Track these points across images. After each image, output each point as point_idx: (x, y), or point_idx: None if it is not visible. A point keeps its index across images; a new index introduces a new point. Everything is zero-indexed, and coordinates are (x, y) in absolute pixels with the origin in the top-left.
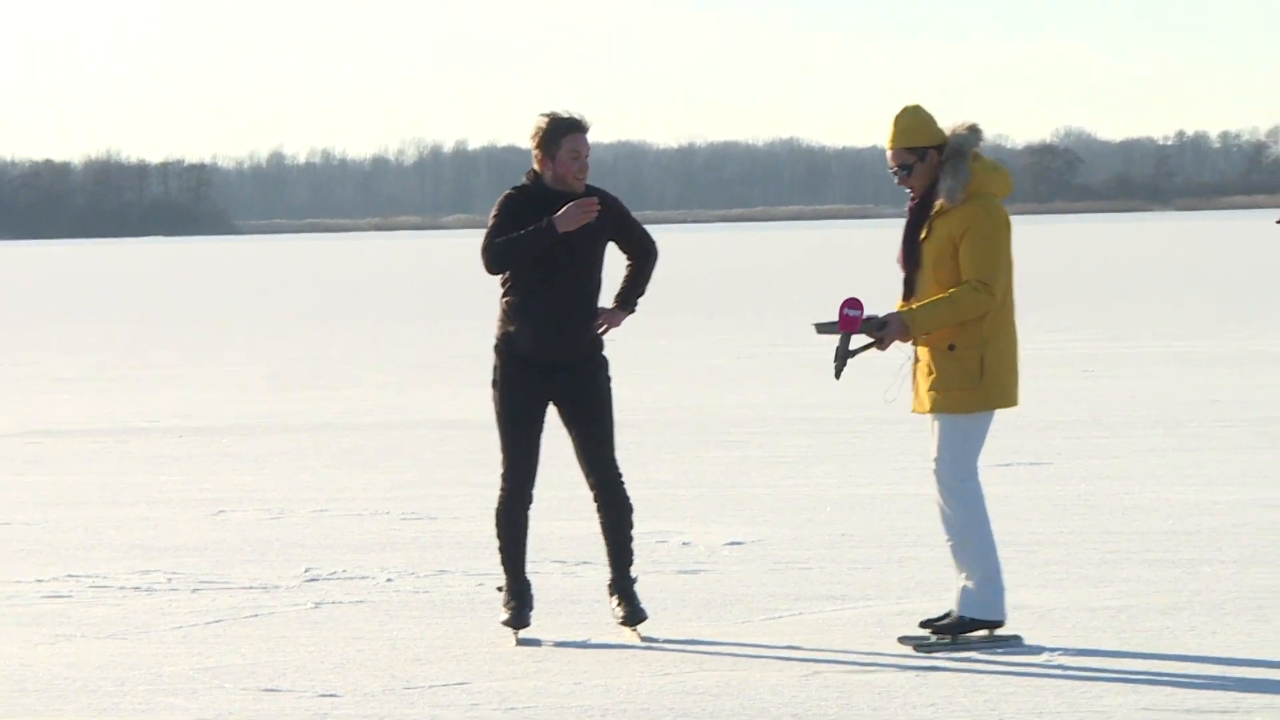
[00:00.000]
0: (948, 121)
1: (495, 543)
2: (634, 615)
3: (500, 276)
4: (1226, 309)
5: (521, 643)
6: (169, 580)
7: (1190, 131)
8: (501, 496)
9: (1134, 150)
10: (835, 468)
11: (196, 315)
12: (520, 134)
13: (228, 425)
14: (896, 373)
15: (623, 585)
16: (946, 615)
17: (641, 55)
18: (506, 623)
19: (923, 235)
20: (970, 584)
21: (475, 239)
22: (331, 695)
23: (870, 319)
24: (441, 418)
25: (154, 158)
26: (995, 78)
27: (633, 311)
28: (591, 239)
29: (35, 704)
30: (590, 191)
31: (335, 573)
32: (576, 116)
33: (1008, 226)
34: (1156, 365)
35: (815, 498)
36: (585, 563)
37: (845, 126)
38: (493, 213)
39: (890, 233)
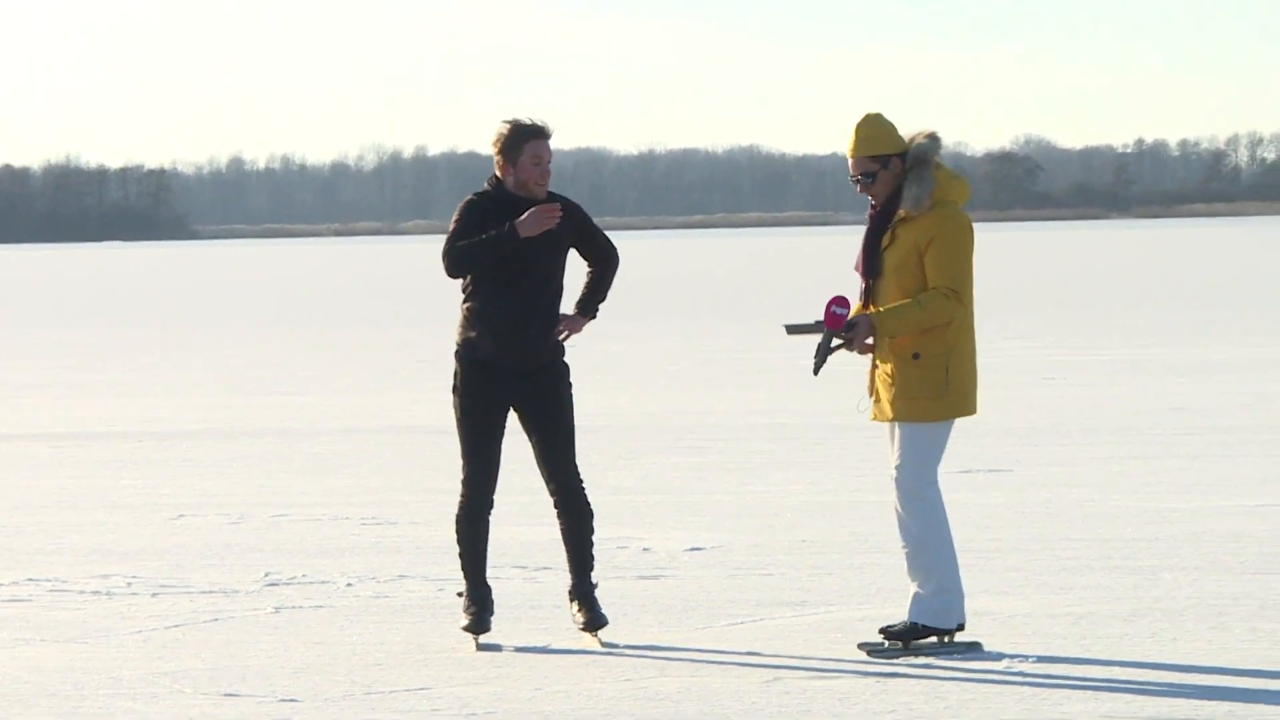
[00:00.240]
0: (906, 130)
1: (455, 548)
2: (595, 621)
3: (461, 282)
4: (1186, 317)
5: (482, 648)
6: (129, 584)
7: (1150, 140)
8: (462, 502)
9: (1094, 158)
10: (796, 474)
11: (156, 321)
12: (480, 140)
13: (187, 430)
14: (867, 374)
15: (583, 591)
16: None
17: (602, 63)
18: (467, 628)
19: (885, 243)
20: (924, 591)
21: (435, 245)
22: (292, 700)
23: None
24: (401, 423)
25: (114, 163)
26: (955, 85)
27: (594, 318)
28: (553, 245)
29: None
30: (552, 198)
31: (295, 578)
32: (539, 123)
33: (972, 234)
34: (1116, 373)
35: (776, 503)
36: (546, 568)
37: (805, 134)
38: (454, 217)
39: (850, 240)
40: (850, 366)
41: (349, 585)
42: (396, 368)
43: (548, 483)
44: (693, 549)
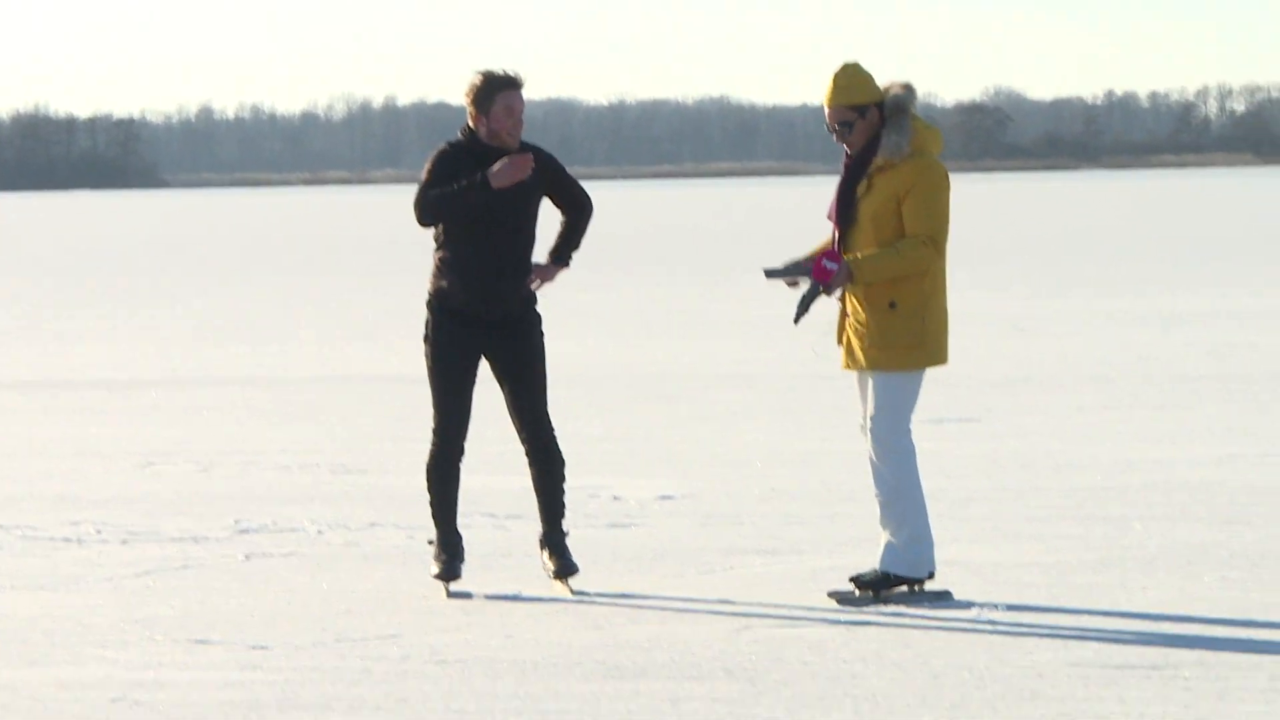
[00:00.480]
0: (881, 81)
1: (426, 496)
2: (565, 569)
3: (433, 231)
4: (1155, 268)
5: (452, 596)
6: (98, 532)
7: (1119, 91)
8: (433, 450)
9: (1063, 109)
10: (767, 423)
11: (125, 269)
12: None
13: (156, 379)
14: (827, 326)
15: (554, 539)
16: (875, 571)
17: (572, 13)
18: (437, 576)
19: (861, 192)
20: (896, 540)
21: (404, 194)
22: (262, 647)
23: (813, 257)
24: (371, 372)
25: (82, 112)
26: (925, 36)
27: (567, 266)
28: (526, 194)
29: None
30: (525, 148)
31: (265, 525)
32: (511, 73)
33: (949, 184)
34: (1087, 323)
35: (747, 452)
36: (516, 516)
37: (775, 85)
38: (426, 167)
39: (820, 190)
40: (820, 316)
41: (319, 533)
42: (366, 317)
43: (519, 431)
44: (663, 497)
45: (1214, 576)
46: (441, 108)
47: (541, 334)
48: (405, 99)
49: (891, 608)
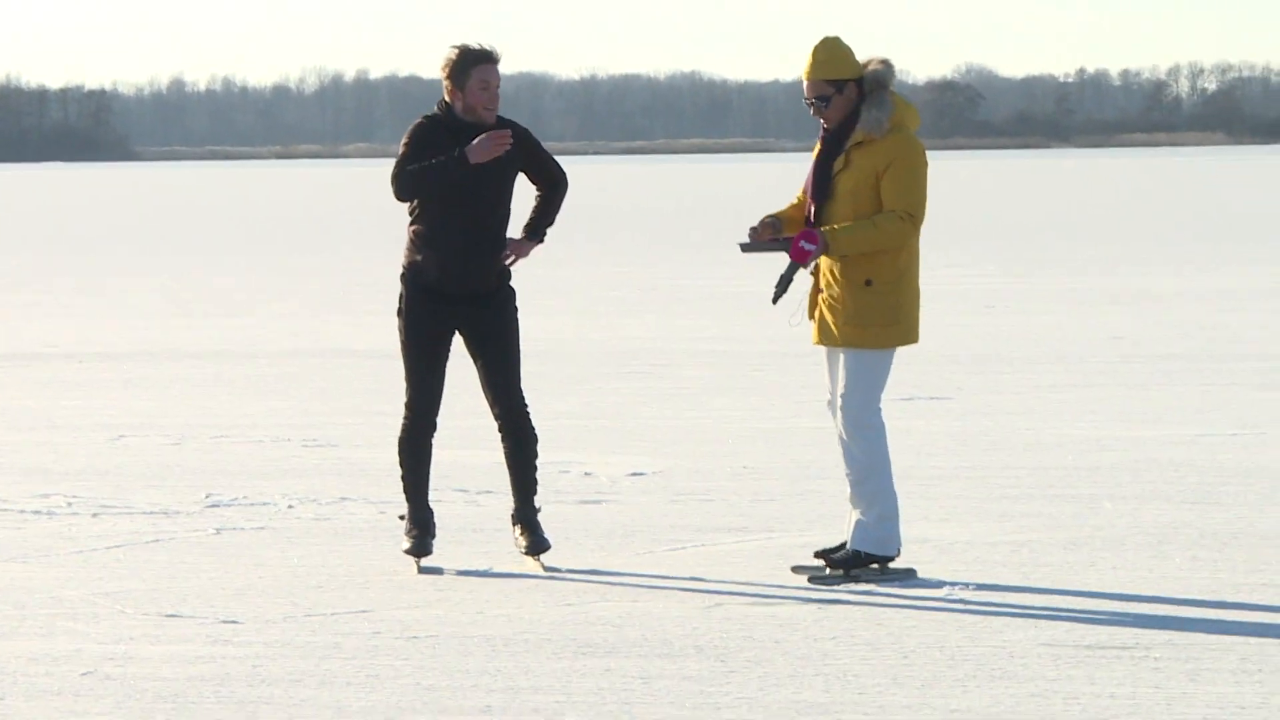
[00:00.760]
0: (860, 57)
1: (398, 471)
2: (537, 545)
3: (408, 206)
4: (1126, 247)
5: (423, 571)
6: (69, 504)
7: (1091, 69)
8: (405, 424)
9: (1035, 87)
10: (737, 400)
11: (96, 241)
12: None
13: (127, 351)
14: (800, 299)
15: (526, 515)
16: (841, 546)
17: None
18: (409, 551)
19: (838, 167)
20: (866, 519)
21: (376, 168)
22: (233, 621)
23: (790, 236)
24: (342, 346)
25: (54, 83)
26: (897, 13)
27: (541, 242)
28: (501, 170)
29: None
30: (501, 123)
31: (236, 499)
32: (487, 48)
33: (927, 163)
34: (1057, 302)
35: (717, 429)
36: (488, 492)
37: (747, 61)
38: (403, 140)
39: (791, 167)
40: (796, 290)
41: (290, 507)
42: (337, 291)
43: (492, 407)
44: (634, 474)
45: (1184, 556)
46: (413, 81)
47: (515, 309)
48: (377, 72)
49: (862, 586)
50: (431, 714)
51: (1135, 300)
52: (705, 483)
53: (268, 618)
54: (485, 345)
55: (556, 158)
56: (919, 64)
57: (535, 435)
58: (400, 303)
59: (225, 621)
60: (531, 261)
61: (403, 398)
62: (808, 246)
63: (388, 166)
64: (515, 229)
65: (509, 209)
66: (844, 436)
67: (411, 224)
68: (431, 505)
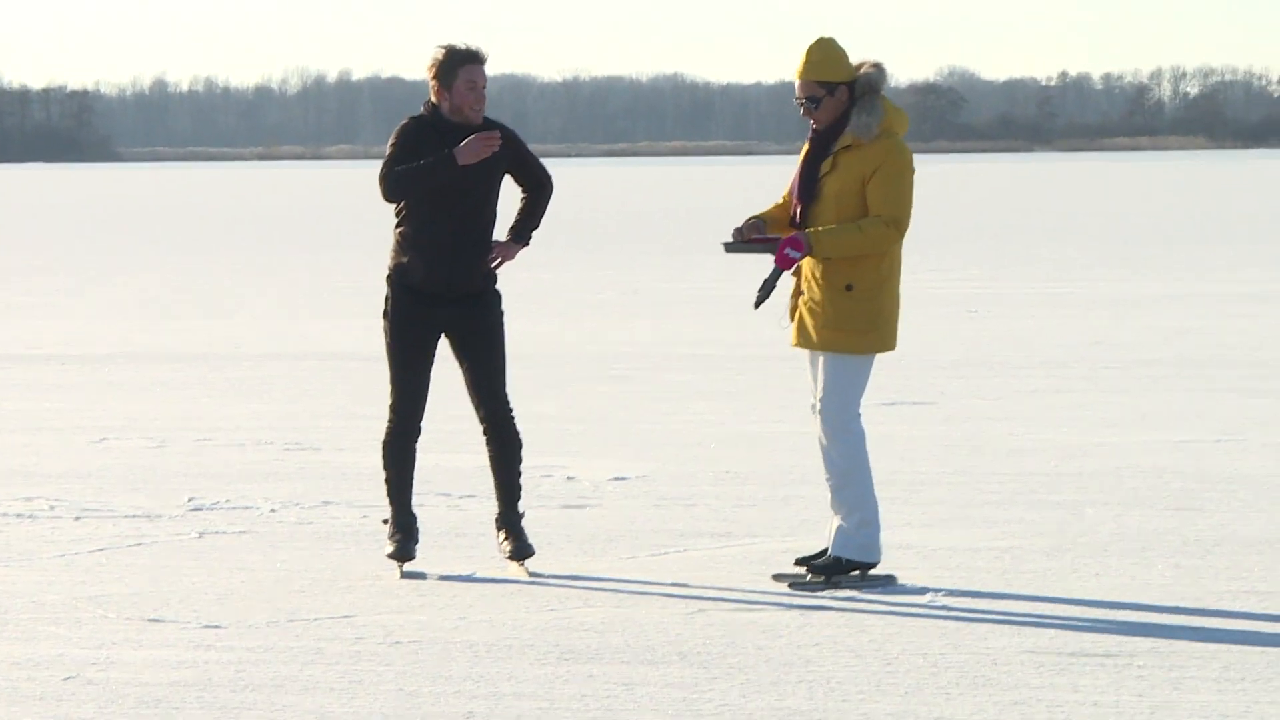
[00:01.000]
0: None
1: (381, 474)
2: (521, 550)
3: (394, 207)
4: (1108, 251)
5: (406, 576)
6: (51, 508)
7: (1073, 72)
8: (389, 428)
9: (1017, 90)
10: (720, 404)
11: (78, 243)
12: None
13: (110, 354)
14: (784, 301)
15: (510, 520)
16: (822, 553)
17: None
18: (391, 555)
19: (825, 170)
20: (847, 525)
21: (358, 170)
22: (215, 626)
23: (774, 237)
24: (325, 349)
25: (36, 84)
26: (879, 15)
27: (527, 244)
28: (488, 171)
29: None
30: (488, 124)
31: (219, 503)
32: (474, 48)
33: (914, 170)
34: (1039, 307)
35: (700, 434)
36: (470, 496)
37: (729, 63)
38: (390, 141)
39: (774, 170)
40: (778, 298)
41: (273, 511)
42: (319, 293)
43: (477, 410)
44: (617, 478)
45: (1167, 563)
46: (396, 82)
47: (501, 312)
48: (360, 73)
49: (844, 592)
50: None
51: (1117, 305)
52: (688, 487)
53: (250, 622)
54: (471, 348)
55: (539, 160)
56: (901, 66)
57: (520, 440)
58: (386, 304)
59: (208, 626)
60: (513, 264)
61: (387, 401)
62: (793, 254)
63: (370, 168)
64: (500, 231)
65: (495, 211)
66: (823, 441)
67: (398, 226)
68: (415, 509)
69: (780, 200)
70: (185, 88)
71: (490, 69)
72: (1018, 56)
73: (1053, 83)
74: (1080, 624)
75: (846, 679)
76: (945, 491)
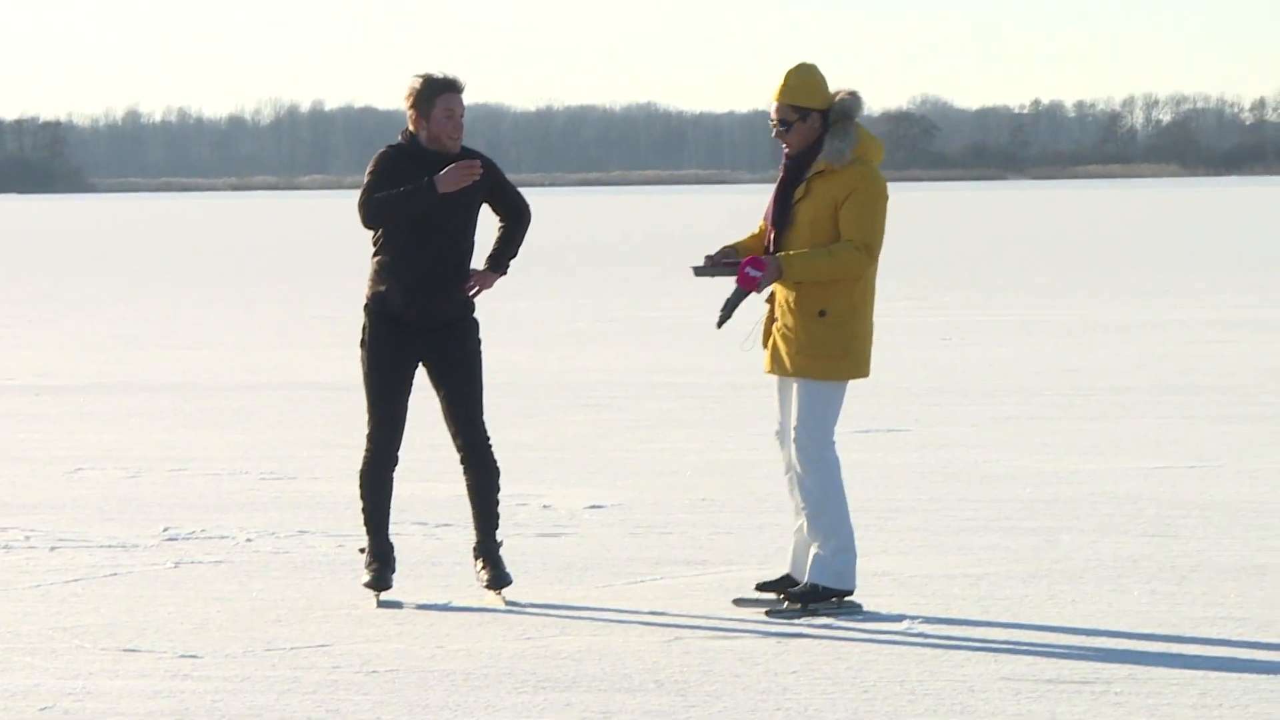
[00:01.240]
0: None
1: (357, 504)
2: (499, 579)
3: (372, 236)
4: (1081, 278)
5: (383, 605)
6: (26, 538)
7: (1046, 100)
8: (367, 457)
9: (990, 119)
10: (695, 432)
11: (52, 273)
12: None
13: (84, 384)
14: (755, 323)
15: (488, 549)
16: (782, 579)
17: (500, 18)
18: (368, 584)
19: (798, 196)
20: (823, 552)
21: (332, 200)
22: (191, 656)
23: (735, 261)
24: (299, 379)
25: (8, 114)
26: (853, 44)
27: (504, 273)
28: (466, 200)
29: None
30: (466, 153)
31: (194, 532)
32: (451, 77)
33: (887, 197)
34: (1012, 334)
35: (675, 462)
36: (446, 525)
37: (702, 92)
38: (369, 169)
39: (747, 199)
40: (742, 325)
41: (249, 540)
42: (294, 323)
43: (455, 438)
44: (593, 506)
45: (1143, 590)
46: (369, 113)
47: (479, 340)
48: (333, 103)
49: (821, 620)
50: None
51: (1091, 332)
52: (664, 515)
53: (227, 652)
54: (448, 376)
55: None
56: (875, 95)
57: (498, 468)
58: (363, 333)
59: (184, 656)
60: (490, 293)
61: (363, 430)
62: (753, 273)
63: (344, 198)
64: (478, 260)
65: (473, 240)
66: (798, 470)
67: (375, 254)
68: (391, 538)
69: (756, 230)
70: (158, 118)
71: (465, 98)
72: (990, 84)
73: (1025, 110)
74: (1057, 650)
75: (824, 706)
76: (920, 518)
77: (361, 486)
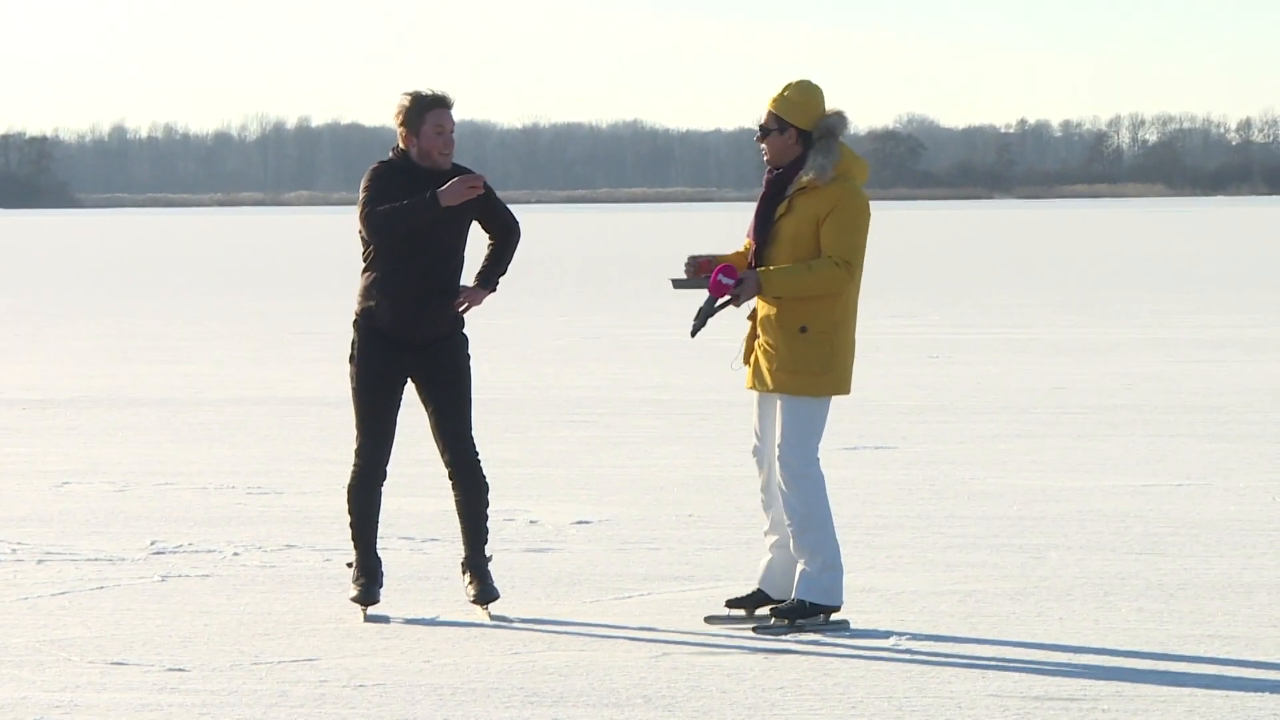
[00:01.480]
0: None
1: (343, 518)
2: (486, 594)
3: (362, 251)
4: (1067, 297)
5: (370, 619)
6: (14, 551)
7: (1032, 120)
8: (355, 472)
9: (976, 138)
10: (682, 449)
11: (37, 288)
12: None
13: (70, 398)
14: (741, 342)
15: (476, 563)
16: (754, 594)
17: (486, 35)
18: (355, 599)
19: (780, 212)
20: (810, 569)
21: (318, 216)
22: (179, 669)
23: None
24: (285, 394)
25: None
26: (839, 62)
27: (494, 290)
28: (457, 217)
29: None
30: (457, 169)
31: (181, 546)
32: (440, 93)
33: (869, 215)
34: (999, 352)
35: (663, 478)
36: (433, 539)
37: (688, 110)
38: (365, 183)
39: (733, 216)
40: (730, 341)
41: (236, 554)
42: (280, 338)
43: (443, 454)
44: (580, 522)
45: (1130, 607)
46: (355, 129)
47: (468, 356)
48: (319, 120)
49: (808, 636)
50: None
51: (1078, 351)
52: (651, 531)
53: (214, 665)
54: (437, 392)
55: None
56: (861, 113)
57: (486, 483)
58: (352, 349)
59: (172, 669)
60: (474, 310)
61: (351, 444)
62: (725, 280)
63: (330, 214)
64: (467, 276)
65: (462, 257)
66: (782, 487)
67: (365, 270)
68: (379, 553)
69: (742, 249)
70: (144, 134)
71: (452, 115)
72: (977, 104)
73: (1012, 130)
74: (1044, 668)
75: None
76: (908, 535)
77: (349, 501)
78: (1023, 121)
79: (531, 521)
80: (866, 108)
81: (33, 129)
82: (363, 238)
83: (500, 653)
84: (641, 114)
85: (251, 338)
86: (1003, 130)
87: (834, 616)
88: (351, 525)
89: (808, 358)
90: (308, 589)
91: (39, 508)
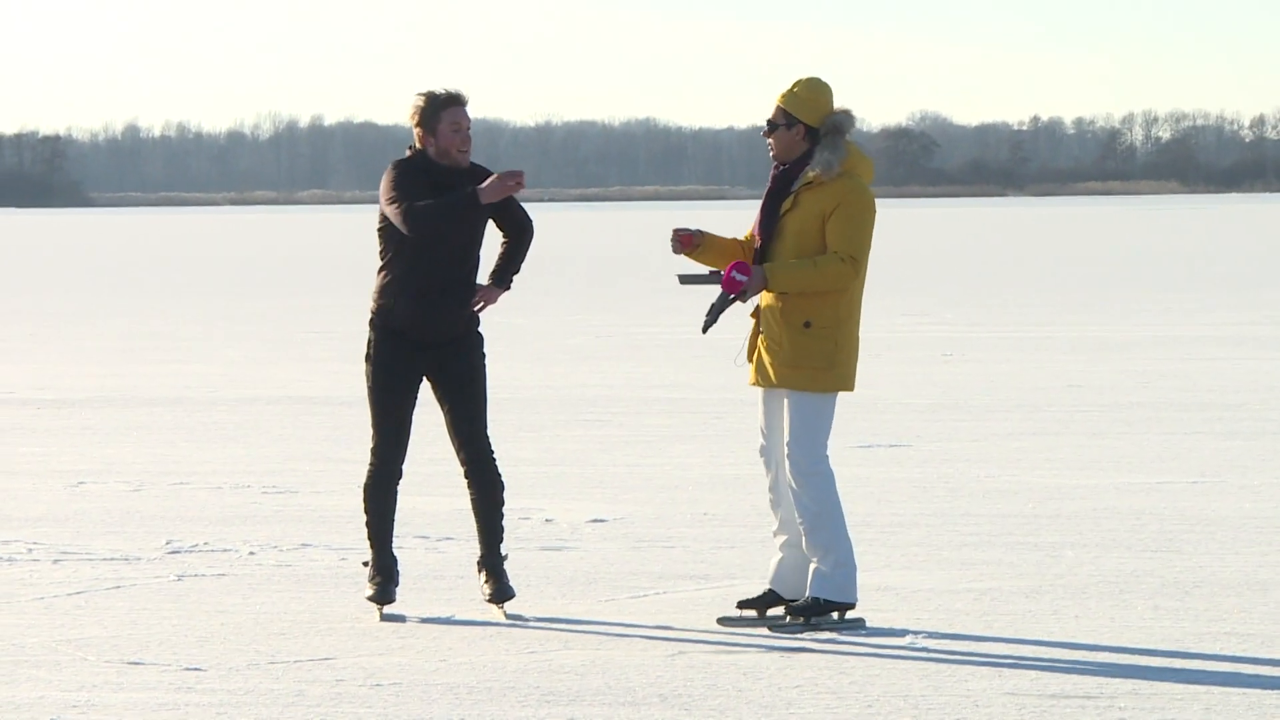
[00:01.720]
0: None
1: (360, 517)
2: (502, 593)
3: (379, 250)
4: (1080, 295)
5: (386, 618)
6: (30, 551)
7: (1045, 117)
8: (371, 471)
9: (989, 135)
10: (696, 447)
11: (51, 288)
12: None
13: (85, 398)
14: (744, 339)
15: (492, 562)
16: (765, 595)
17: (499, 33)
18: (371, 598)
19: (786, 207)
20: (824, 566)
21: (330, 214)
22: (196, 669)
23: (717, 271)
24: (299, 393)
25: (8, 129)
26: (852, 60)
27: (509, 289)
28: (473, 216)
29: None
30: (475, 167)
31: (197, 545)
32: (454, 91)
33: (875, 211)
34: (1013, 350)
35: (677, 476)
36: (449, 538)
37: (701, 108)
38: (392, 179)
39: (746, 213)
40: (735, 341)
41: (251, 554)
42: (294, 338)
43: (459, 453)
44: (595, 520)
45: (1146, 605)
46: (368, 127)
47: (483, 355)
48: (332, 118)
49: (824, 634)
50: None
51: (1092, 348)
52: (666, 530)
53: (231, 665)
54: (453, 390)
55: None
56: (874, 111)
57: (502, 482)
58: (368, 348)
59: (188, 669)
60: (488, 309)
61: (367, 444)
62: (739, 277)
63: (343, 213)
64: (482, 275)
65: (478, 256)
66: (792, 485)
67: (381, 269)
68: (395, 552)
69: (744, 236)
70: (157, 133)
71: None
72: (990, 101)
73: (1025, 127)
74: (1061, 666)
75: None
76: (923, 533)
77: (365, 500)
78: (1036, 119)
79: (547, 520)
80: (879, 105)
81: (46, 128)
82: (381, 237)
83: (516, 651)
84: (654, 112)
85: (264, 337)
86: (1016, 128)
87: (849, 614)
88: (367, 524)
89: (812, 353)
90: (324, 588)
91: (54, 508)
